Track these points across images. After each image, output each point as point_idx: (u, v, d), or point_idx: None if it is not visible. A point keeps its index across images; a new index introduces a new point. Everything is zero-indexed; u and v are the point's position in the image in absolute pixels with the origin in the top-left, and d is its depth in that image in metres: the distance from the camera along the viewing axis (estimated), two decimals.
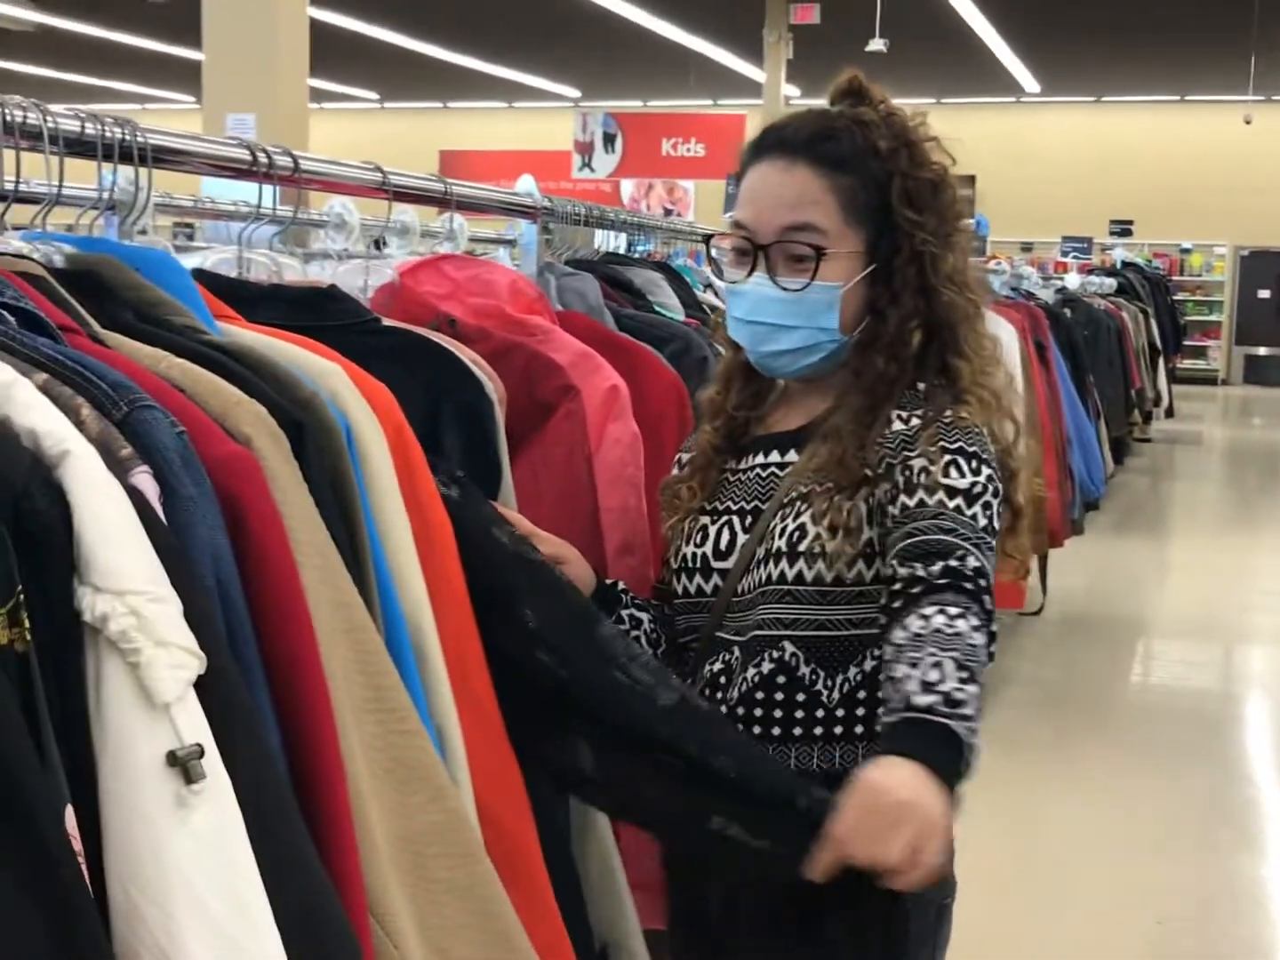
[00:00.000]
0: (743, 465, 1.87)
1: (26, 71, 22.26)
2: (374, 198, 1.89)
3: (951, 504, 1.63)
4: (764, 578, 1.75)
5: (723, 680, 1.79)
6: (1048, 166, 22.87)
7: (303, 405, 1.24)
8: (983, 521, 1.64)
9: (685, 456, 1.97)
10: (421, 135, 24.91)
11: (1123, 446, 11.08)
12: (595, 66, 20.64)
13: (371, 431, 1.33)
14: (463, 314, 2.02)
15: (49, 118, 1.33)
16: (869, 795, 1.41)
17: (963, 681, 1.47)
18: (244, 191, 2.16)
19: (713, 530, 1.84)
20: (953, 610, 1.52)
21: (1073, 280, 9.74)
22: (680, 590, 1.86)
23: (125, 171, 2.13)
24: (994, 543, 1.65)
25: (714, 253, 2.03)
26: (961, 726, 1.44)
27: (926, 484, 1.65)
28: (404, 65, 20.50)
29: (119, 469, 0.98)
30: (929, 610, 1.52)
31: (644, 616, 1.91)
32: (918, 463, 1.67)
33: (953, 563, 1.56)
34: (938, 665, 1.47)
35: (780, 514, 1.77)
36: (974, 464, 1.67)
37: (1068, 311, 8.53)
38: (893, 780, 1.41)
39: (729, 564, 1.81)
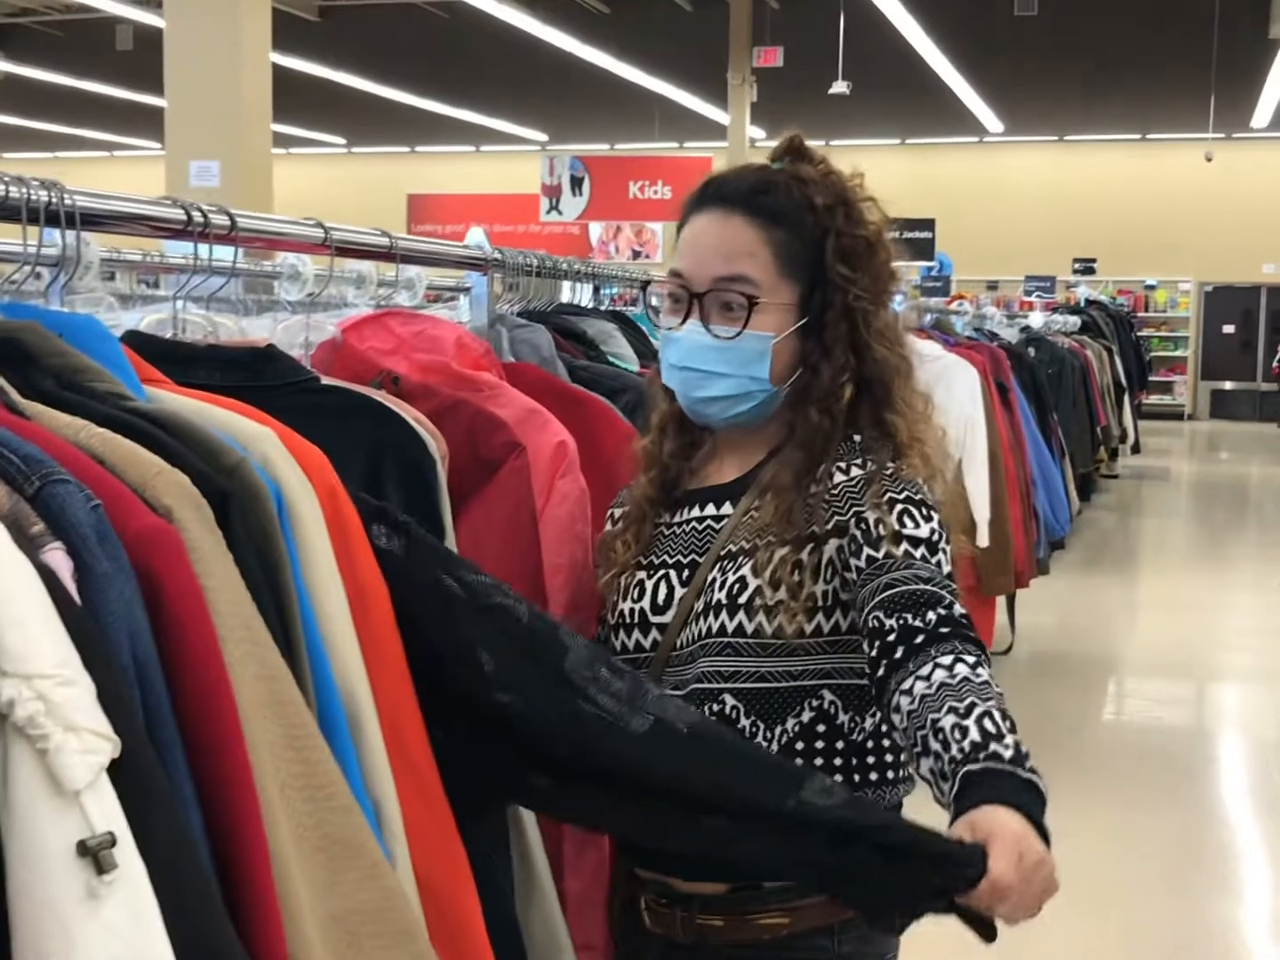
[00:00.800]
0: (678, 519, 1.87)
1: None
2: (317, 254, 1.86)
3: (918, 553, 1.64)
4: (704, 630, 1.75)
5: None
6: (1012, 205, 23.06)
7: (229, 472, 1.21)
8: (947, 569, 1.65)
9: (619, 511, 1.97)
10: (389, 179, 24.95)
11: (1089, 483, 11.12)
12: (562, 110, 20.75)
13: (303, 496, 1.30)
14: (408, 370, 1.99)
15: None
16: (1019, 844, 1.33)
17: (1014, 732, 1.44)
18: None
19: (649, 585, 1.84)
20: (970, 659, 1.51)
21: (1037, 319, 9.79)
22: (619, 646, 1.85)
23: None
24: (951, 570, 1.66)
25: (653, 300, 2.04)
26: (1042, 784, 1.40)
27: (887, 535, 1.65)
28: (371, 110, 20.58)
29: (29, 546, 0.95)
30: (946, 659, 1.51)
31: None
32: (871, 515, 1.68)
33: (943, 611, 1.56)
34: (988, 715, 1.43)
35: (719, 566, 1.77)
36: (925, 512, 1.68)
37: (1031, 350, 8.57)
38: (1026, 832, 1.34)
39: (667, 618, 1.80)
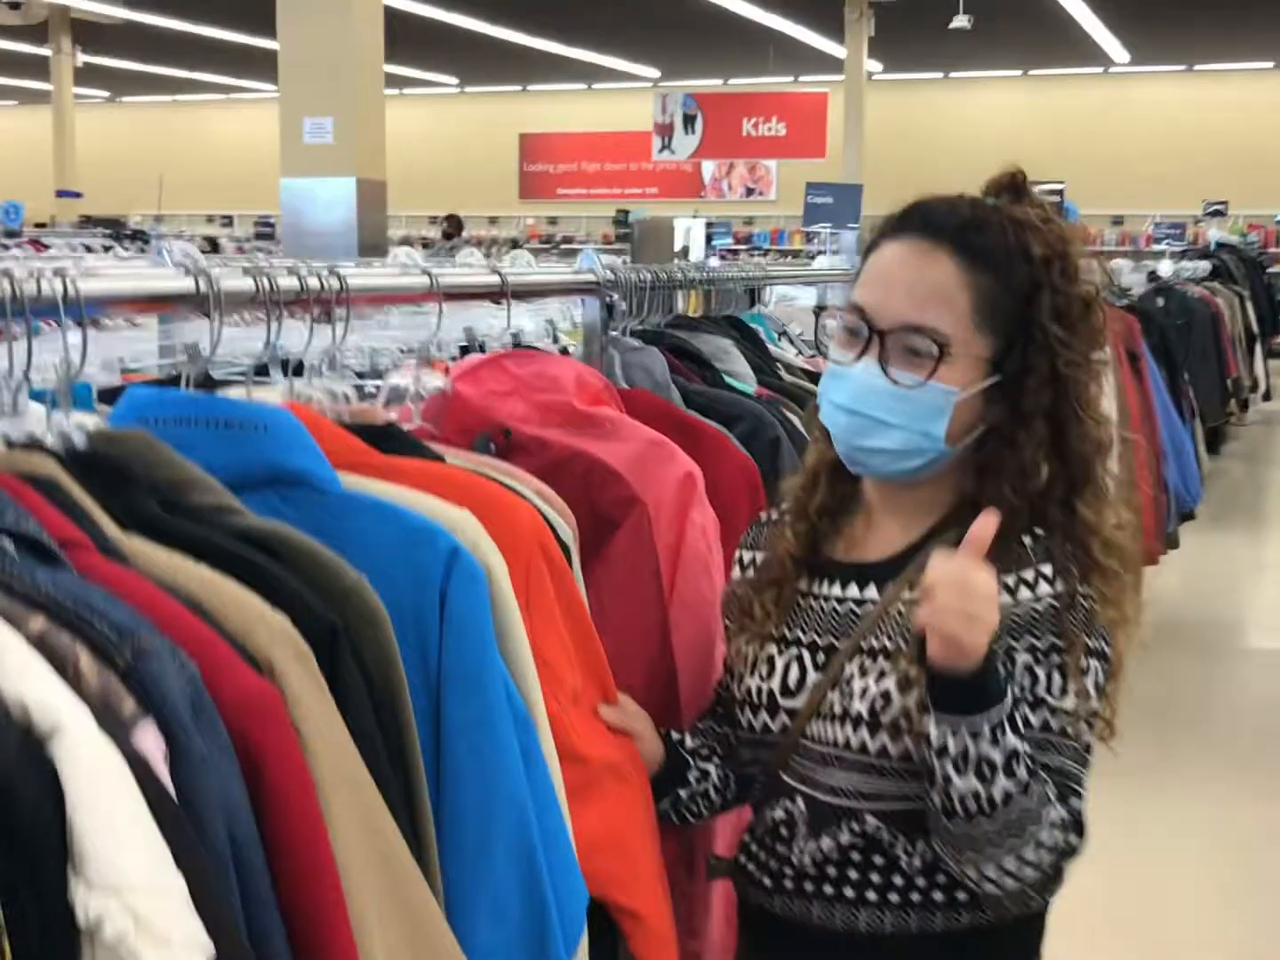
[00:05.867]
0: (817, 591, 1.72)
1: (116, 65, 22.53)
2: (426, 301, 1.79)
3: (1057, 726, 1.55)
4: (841, 741, 1.63)
5: (784, 833, 1.68)
6: (1138, 138, 22.36)
7: (343, 596, 1.17)
8: (1086, 739, 1.57)
9: (750, 555, 1.83)
10: (501, 119, 24.88)
11: (1219, 435, 10.79)
12: (674, 46, 20.46)
13: (503, 578, 1.38)
14: (526, 411, 1.93)
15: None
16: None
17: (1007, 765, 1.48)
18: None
19: (780, 663, 1.71)
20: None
21: (1165, 268, 9.48)
22: (744, 724, 1.74)
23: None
24: (1090, 756, 1.58)
25: (827, 326, 1.86)
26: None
27: (1031, 699, 1.55)
28: (483, 49, 20.46)
29: (120, 729, 0.90)
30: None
31: (710, 768, 1.82)
32: (1022, 659, 1.55)
33: (1062, 809, 1.53)
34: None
35: (858, 661, 1.63)
36: (1085, 661, 1.56)
37: (1160, 300, 8.31)
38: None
39: (797, 703, 1.68)
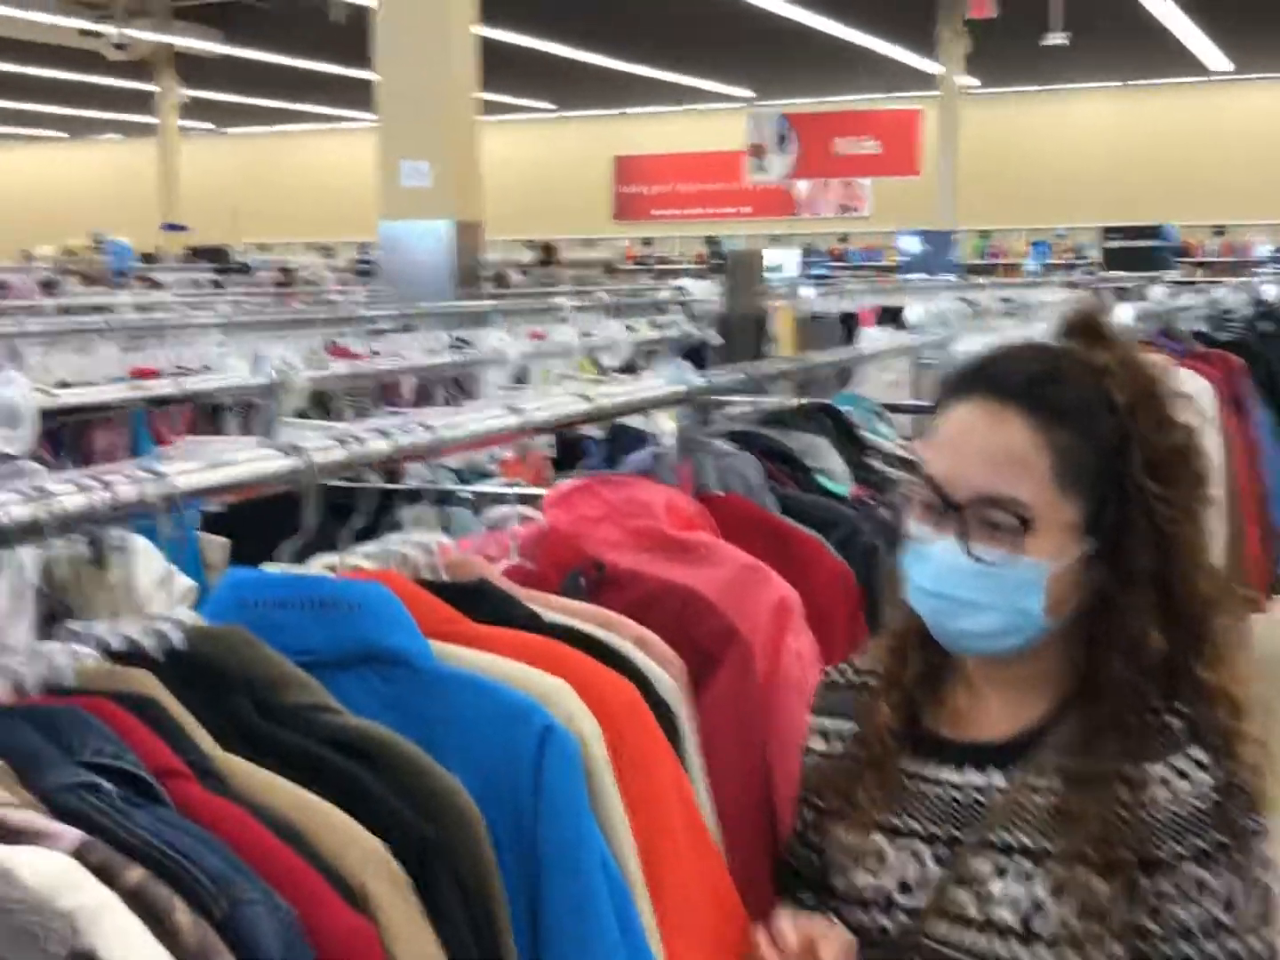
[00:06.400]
0: (928, 774, 1.56)
1: (217, 98, 22.98)
2: (519, 439, 1.80)
3: (1243, 950, 1.42)
4: (990, 953, 1.46)
5: None
6: (1240, 147, 21.96)
7: (434, 801, 1.18)
8: (1266, 941, 1.44)
9: (833, 724, 1.66)
10: (597, 142, 25.05)
11: None
12: (767, 67, 20.47)
13: (598, 749, 1.38)
14: (620, 536, 1.93)
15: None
16: None
17: None
18: None
19: (892, 857, 1.55)
20: None
21: (1270, 292, 9.27)
22: (854, 924, 1.56)
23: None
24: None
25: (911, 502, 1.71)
26: None
27: (1211, 928, 1.41)
28: (578, 75, 20.62)
29: None
30: None
31: None
32: (1191, 871, 1.41)
33: None
34: None
35: (990, 859, 1.49)
36: (1248, 852, 1.42)
37: (1270, 326, 8.11)
38: None
39: (917, 902, 1.52)
